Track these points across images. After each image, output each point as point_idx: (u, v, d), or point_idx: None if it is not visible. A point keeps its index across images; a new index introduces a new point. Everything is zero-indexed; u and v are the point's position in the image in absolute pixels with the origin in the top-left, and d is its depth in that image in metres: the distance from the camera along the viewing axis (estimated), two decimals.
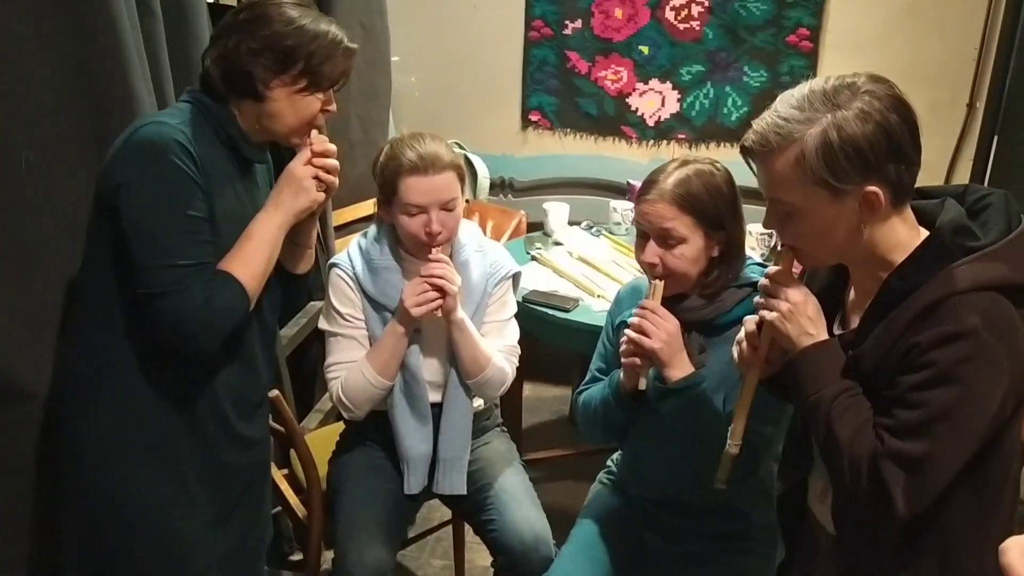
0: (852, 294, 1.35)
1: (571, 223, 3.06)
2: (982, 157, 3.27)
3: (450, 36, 3.63)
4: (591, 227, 3.05)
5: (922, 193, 1.31)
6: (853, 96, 1.17)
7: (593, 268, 2.71)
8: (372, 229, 2.01)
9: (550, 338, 2.57)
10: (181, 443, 1.53)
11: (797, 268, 1.35)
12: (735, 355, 1.41)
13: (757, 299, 1.34)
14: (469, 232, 2.04)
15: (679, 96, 3.54)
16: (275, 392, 2.00)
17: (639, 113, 3.59)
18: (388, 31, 3.10)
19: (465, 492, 1.98)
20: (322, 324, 2.00)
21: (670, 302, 1.64)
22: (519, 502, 1.92)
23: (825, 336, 1.28)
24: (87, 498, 1.53)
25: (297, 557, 2.53)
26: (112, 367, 1.48)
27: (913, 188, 1.24)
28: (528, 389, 3.49)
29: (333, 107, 1.54)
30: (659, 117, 3.58)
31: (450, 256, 1.95)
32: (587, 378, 1.89)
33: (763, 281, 1.33)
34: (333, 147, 1.55)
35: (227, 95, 1.48)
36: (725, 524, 1.74)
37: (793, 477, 1.46)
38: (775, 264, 1.33)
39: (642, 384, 1.64)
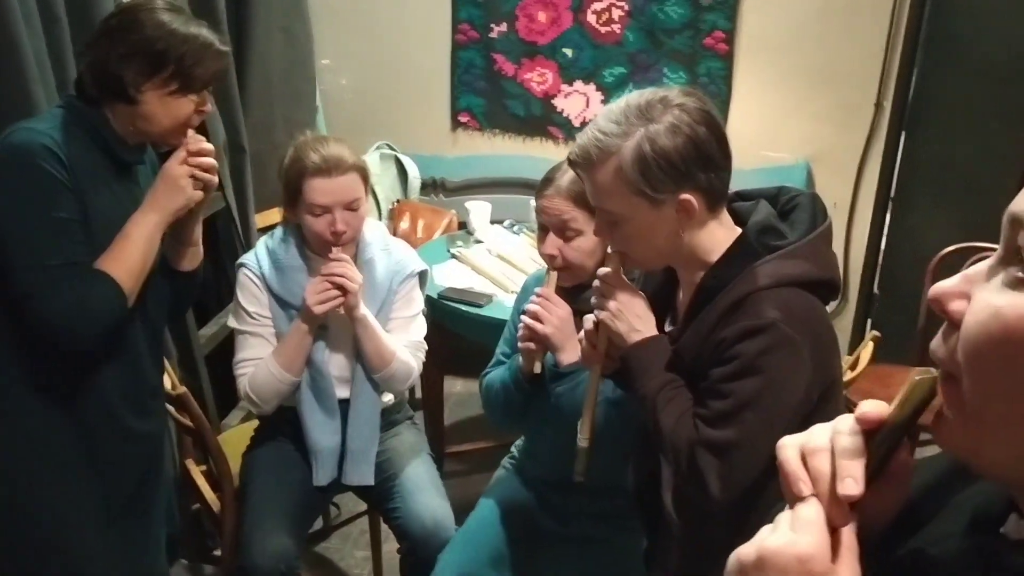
0: (681, 294, 1.44)
1: (497, 222, 3.14)
2: (890, 154, 3.40)
3: (379, 40, 3.68)
4: (513, 225, 3.13)
5: (742, 196, 1.39)
6: (665, 110, 1.25)
7: (510, 265, 2.78)
8: (279, 230, 2.06)
9: (465, 333, 2.64)
10: (66, 441, 1.56)
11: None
12: (579, 353, 1.49)
13: (593, 299, 1.43)
14: (374, 231, 2.10)
15: (603, 97, 3.63)
16: (183, 389, 2.04)
17: (565, 114, 3.68)
18: (311, 35, 3.14)
19: (373, 483, 2.04)
20: (231, 322, 2.06)
21: (570, 292, 1.72)
22: (422, 490, 1.99)
23: (653, 332, 1.37)
24: None
25: (220, 552, 2.57)
26: None
27: (726, 193, 1.32)
28: (459, 384, 3.57)
29: (208, 108, 1.60)
30: (584, 118, 3.66)
31: (355, 255, 2.01)
32: (492, 361, 1.96)
33: (596, 283, 1.41)
34: (209, 146, 1.61)
35: (100, 99, 1.52)
36: (611, 502, 1.81)
37: (643, 468, 1.52)
38: (606, 266, 1.41)
39: (538, 368, 1.72)
